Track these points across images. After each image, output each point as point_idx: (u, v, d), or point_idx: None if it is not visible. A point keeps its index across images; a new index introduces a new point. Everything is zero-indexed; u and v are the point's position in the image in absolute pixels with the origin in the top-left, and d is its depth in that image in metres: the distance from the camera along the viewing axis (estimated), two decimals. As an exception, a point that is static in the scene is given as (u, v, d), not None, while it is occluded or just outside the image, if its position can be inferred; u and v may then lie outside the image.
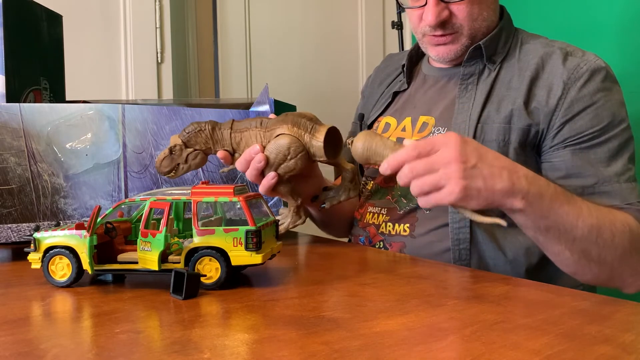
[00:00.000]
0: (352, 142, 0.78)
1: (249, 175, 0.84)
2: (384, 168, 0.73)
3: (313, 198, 0.94)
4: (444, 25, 0.97)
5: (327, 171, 0.99)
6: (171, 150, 0.83)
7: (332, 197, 0.92)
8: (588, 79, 0.92)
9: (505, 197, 0.72)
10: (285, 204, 0.95)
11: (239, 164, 0.85)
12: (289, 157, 0.82)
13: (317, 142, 0.82)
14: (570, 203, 0.77)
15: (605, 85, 0.93)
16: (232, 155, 0.86)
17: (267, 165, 0.83)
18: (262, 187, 0.85)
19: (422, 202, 0.72)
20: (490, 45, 0.99)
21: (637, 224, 0.86)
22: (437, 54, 1.01)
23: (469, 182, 0.69)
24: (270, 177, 0.83)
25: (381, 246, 0.99)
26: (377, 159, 0.75)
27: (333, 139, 0.84)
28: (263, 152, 0.82)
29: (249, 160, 0.84)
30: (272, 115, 0.88)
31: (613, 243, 0.80)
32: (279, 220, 0.82)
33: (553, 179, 0.90)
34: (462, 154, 0.69)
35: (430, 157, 0.70)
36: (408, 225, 0.97)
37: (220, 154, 0.86)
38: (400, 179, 0.71)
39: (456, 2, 0.95)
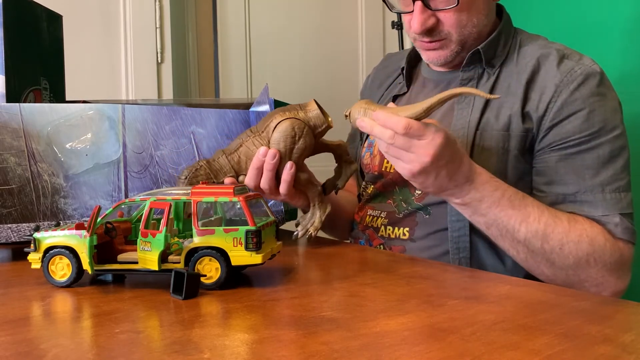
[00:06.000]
0: (349, 112, 0.80)
1: (265, 181, 0.83)
2: (370, 121, 0.77)
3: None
4: (431, 32, 0.95)
5: (326, 159, 0.99)
6: None
7: (341, 179, 0.93)
8: (581, 83, 0.89)
9: (443, 194, 0.83)
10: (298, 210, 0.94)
11: (249, 178, 0.85)
12: (297, 138, 0.83)
13: (312, 111, 0.84)
14: (515, 208, 0.82)
15: (599, 90, 0.90)
16: (237, 178, 0.87)
17: (280, 158, 0.83)
18: (285, 184, 0.84)
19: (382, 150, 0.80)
20: (489, 49, 0.97)
21: (606, 238, 0.84)
22: (427, 58, 1.01)
23: (424, 175, 0.77)
24: (288, 168, 0.83)
25: (381, 249, 0.99)
26: None
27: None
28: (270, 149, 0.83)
29: (260, 166, 0.83)
30: None
31: (562, 251, 0.82)
32: (278, 221, 0.82)
33: (538, 185, 0.91)
34: (438, 155, 0.75)
35: (413, 141, 0.75)
36: (407, 229, 0.97)
37: (227, 181, 0.85)
38: (381, 137, 0.76)
39: (443, 10, 0.93)
